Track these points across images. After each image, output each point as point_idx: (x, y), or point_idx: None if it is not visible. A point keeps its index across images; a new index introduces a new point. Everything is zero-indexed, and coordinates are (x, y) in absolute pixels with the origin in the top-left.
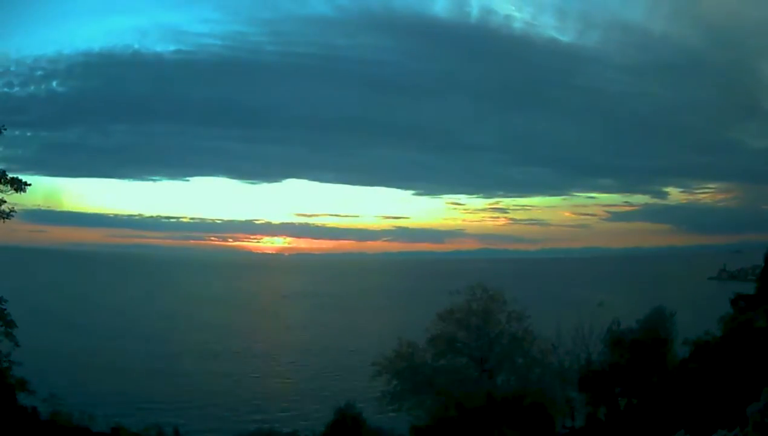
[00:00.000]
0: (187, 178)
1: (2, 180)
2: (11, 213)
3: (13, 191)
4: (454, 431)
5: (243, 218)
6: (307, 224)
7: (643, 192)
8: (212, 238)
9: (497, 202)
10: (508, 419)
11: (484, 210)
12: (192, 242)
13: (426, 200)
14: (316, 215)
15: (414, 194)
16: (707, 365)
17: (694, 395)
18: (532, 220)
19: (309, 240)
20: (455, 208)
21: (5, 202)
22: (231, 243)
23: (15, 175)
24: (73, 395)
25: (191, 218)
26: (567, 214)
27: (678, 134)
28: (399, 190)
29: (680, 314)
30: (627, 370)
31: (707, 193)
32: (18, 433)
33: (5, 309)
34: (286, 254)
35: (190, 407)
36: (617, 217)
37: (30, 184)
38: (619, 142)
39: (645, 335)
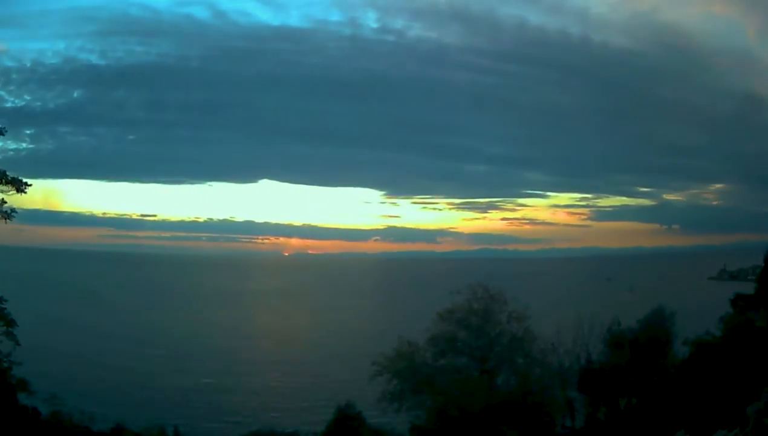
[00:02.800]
0: (162, 180)
1: (3, 180)
2: (12, 214)
3: (14, 191)
4: (454, 431)
5: (223, 218)
6: (291, 225)
7: (642, 194)
8: (203, 238)
9: (485, 202)
10: (508, 419)
11: (469, 209)
12: (182, 242)
13: (406, 201)
14: (298, 215)
15: (386, 195)
16: (707, 365)
17: (694, 395)
18: (524, 219)
19: (298, 240)
20: (440, 209)
21: (5, 202)
22: (221, 244)
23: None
24: (74, 394)
25: (163, 217)
26: (562, 215)
27: (676, 134)
28: (376, 191)
29: (680, 314)
30: (627, 370)
31: (706, 194)
32: (18, 433)
33: (5, 309)
34: (287, 253)
35: (190, 407)
36: (615, 217)
37: (31, 185)
38: (616, 142)
39: (645, 335)
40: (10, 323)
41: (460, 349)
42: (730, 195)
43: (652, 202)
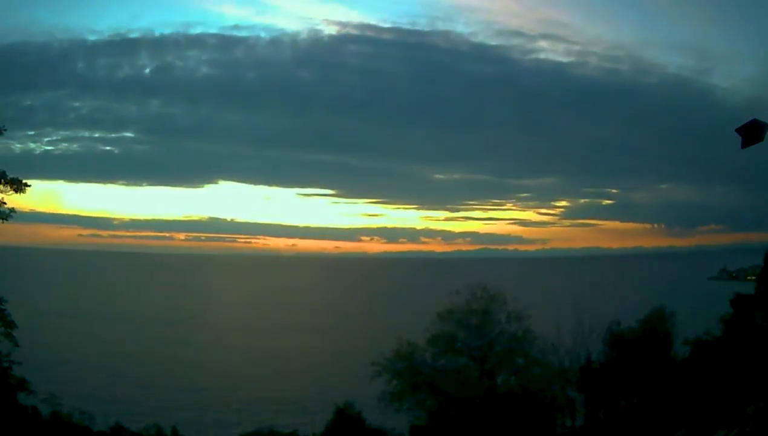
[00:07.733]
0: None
1: (2, 181)
2: (11, 214)
3: (12, 192)
4: (454, 430)
5: (199, 217)
6: (280, 225)
7: (640, 194)
8: (181, 236)
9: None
10: (508, 419)
11: (447, 210)
12: (169, 242)
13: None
14: (269, 215)
15: (334, 197)
16: (707, 365)
17: (694, 395)
18: (515, 220)
19: (287, 239)
20: (405, 209)
21: (5, 203)
22: (219, 244)
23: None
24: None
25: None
26: (552, 217)
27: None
28: (331, 191)
29: (680, 314)
30: (627, 370)
31: (706, 194)
32: (18, 433)
33: (5, 309)
34: (287, 253)
35: (190, 407)
36: (615, 216)
37: (30, 185)
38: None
39: (645, 335)
40: (10, 324)
41: (460, 349)
42: (729, 195)
43: (656, 203)
